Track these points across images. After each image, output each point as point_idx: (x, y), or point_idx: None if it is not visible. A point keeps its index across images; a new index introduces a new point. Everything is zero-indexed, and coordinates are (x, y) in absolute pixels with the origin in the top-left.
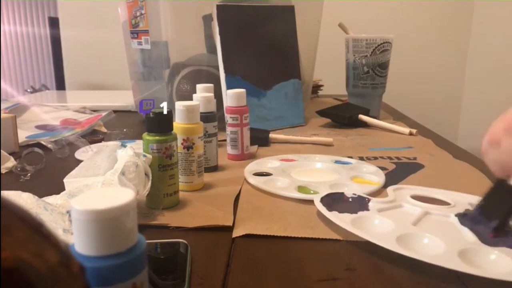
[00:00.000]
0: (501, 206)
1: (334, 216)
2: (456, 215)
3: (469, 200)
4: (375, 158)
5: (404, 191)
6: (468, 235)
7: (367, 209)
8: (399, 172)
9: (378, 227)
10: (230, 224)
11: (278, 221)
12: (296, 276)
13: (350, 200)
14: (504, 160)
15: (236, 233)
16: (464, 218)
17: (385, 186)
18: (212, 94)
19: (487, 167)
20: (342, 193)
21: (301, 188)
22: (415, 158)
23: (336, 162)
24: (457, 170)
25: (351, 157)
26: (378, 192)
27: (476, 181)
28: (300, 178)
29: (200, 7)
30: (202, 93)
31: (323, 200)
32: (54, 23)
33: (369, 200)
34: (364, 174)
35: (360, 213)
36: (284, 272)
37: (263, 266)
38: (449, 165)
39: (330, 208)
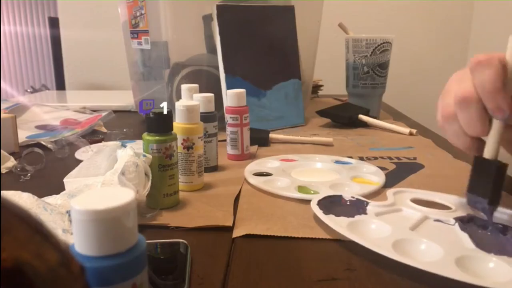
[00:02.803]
0: (487, 179)
1: (329, 220)
2: (456, 220)
3: None
4: (375, 158)
5: (404, 194)
6: (467, 241)
7: (365, 213)
8: (399, 172)
9: (374, 231)
10: (230, 224)
11: (278, 221)
12: (296, 276)
13: (348, 203)
14: (464, 132)
15: (236, 233)
16: (464, 222)
17: (385, 186)
18: (212, 94)
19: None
20: (341, 196)
21: (301, 188)
22: (415, 158)
23: (336, 162)
24: (457, 170)
25: (351, 157)
26: (379, 192)
27: None
28: (300, 178)
29: (200, 7)
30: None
31: (320, 202)
32: (54, 23)
33: (367, 203)
34: (364, 174)
35: (357, 217)
36: (284, 272)
37: (263, 266)
38: (449, 165)
39: (327, 211)
